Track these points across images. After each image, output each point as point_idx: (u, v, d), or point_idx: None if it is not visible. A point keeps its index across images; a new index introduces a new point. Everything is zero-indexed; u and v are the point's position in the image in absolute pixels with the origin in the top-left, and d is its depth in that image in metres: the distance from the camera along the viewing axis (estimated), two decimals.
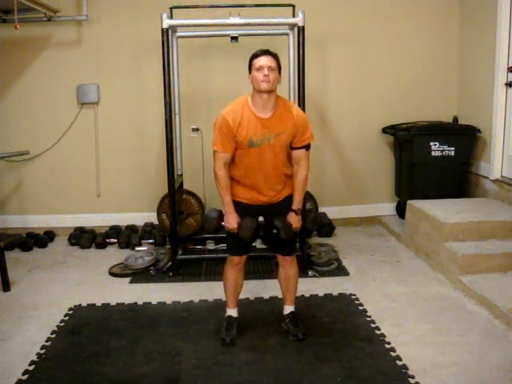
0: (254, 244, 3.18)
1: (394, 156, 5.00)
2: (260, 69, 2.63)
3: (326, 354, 2.76)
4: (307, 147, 2.82)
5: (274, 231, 2.81)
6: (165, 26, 3.71)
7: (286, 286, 2.99)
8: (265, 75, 2.61)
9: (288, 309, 3.02)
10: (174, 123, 4.08)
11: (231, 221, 2.80)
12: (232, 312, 3.01)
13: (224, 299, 3.10)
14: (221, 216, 2.90)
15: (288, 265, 2.95)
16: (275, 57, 2.68)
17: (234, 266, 2.93)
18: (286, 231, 2.80)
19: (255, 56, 2.68)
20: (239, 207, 2.85)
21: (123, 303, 3.45)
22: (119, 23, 4.73)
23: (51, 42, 4.76)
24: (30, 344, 2.92)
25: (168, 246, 4.38)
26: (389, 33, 4.91)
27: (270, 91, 2.65)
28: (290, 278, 2.97)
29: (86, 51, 4.76)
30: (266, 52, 2.67)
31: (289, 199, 2.88)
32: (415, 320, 3.13)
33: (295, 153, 2.80)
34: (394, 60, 4.95)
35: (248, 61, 2.73)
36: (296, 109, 2.82)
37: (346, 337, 2.94)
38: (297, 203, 2.85)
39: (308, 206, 4.35)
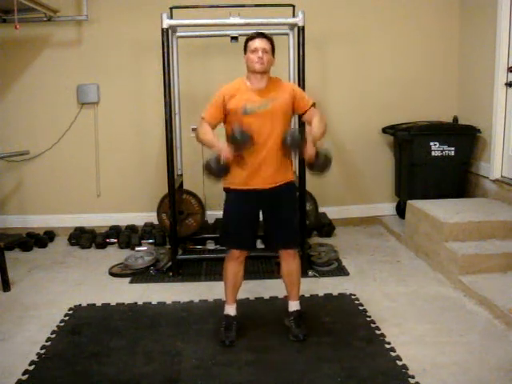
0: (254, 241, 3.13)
1: (394, 156, 5.00)
2: (255, 51, 2.75)
3: (326, 353, 2.76)
4: (313, 105, 2.88)
5: (288, 137, 2.68)
6: (165, 26, 3.71)
7: (290, 281, 2.98)
8: (259, 57, 2.73)
9: (293, 305, 3.01)
10: (174, 123, 4.08)
11: (223, 145, 2.69)
12: (230, 309, 3.00)
13: (224, 299, 3.09)
14: (218, 159, 2.71)
15: (290, 259, 2.94)
16: (270, 39, 2.80)
17: (235, 259, 2.92)
18: (293, 138, 2.69)
19: (250, 38, 2.80)
20: (237, 196, 2.84)
21: (123, 303, 3.45)
22: (119, 23, 4.73)
23: (51, 42, 4.76)
24: (29, 344, 2.92)
25: (168, 246, 4.38)
26: (389, 33, 4.91)
27: (264, 72, 2.77)
28: (293, 272, 2.96)
29: (86, 51, 4.76)
30: (260, 35, 2.79)
31: (289, 187, 2.87)
32: (415, 320, 3.13)
33: (306, 116, 2.88)
34: (394, 60, 4.95)
35: (244, 43, 2.83)
36: (288, 83, 2.95)
37: (345, 337, 2.93)
38: (315, 130, 2.78)
39: (308, 206, 4.35)
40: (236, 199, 2.87)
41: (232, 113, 2.76)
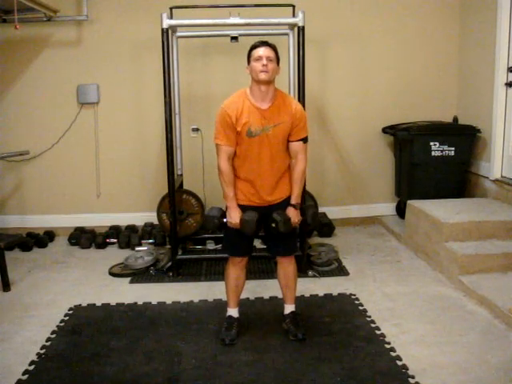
0: (253, 244, 3.15)
1: (394, 156, 5.00)
2: (259, 59, 2.65)
3: (326, 353, 2.76)
4: (304, 140, 2.81)
5: (273, 225, 2.77)
6: (165, 26, 3.71)
7: (286, 284, 2.99)
8: (263, 65, 2.63)
9: (288, 308, 3.02)
10: (173, 123, 4.08)
11: (234, 216, 2.79)
12: (233, 312, 3.01)
13: (224, 299, 3.10)
14: (222, 214, 2.89)
15: (286, 262, 2.95)
16: (274, 48, 2.71)
17: (236, 264, 2.93)
18: (284, 225, 2.76)
19: (254, 47, 2.70)
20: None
21: (123, 303, 3.45)
22: (119, 23, 4.73)
23: (51, 42, 4.76)
24: (29, 344, 2.92)
25: (168, 246, 4.38)
26: (389, 33, 4.91)
27: (269, 82, 2.67)
28: (289, 275, 2.97)
29: (85, 51, 4.76)
30: (264, 43, 2.70)
31: (288, 201, 2.87)
32: (415, 320, 3.13)
33: (292, 146, 2.80)
34: (394, 60, 4.95)
35: (247, 52, 2.75)
36: (295, 102, 2.84)
37: (346, 337, 2.94)
38: (295, 197, 2.84)
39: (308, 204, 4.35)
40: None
41: (238, 135, 2.74)
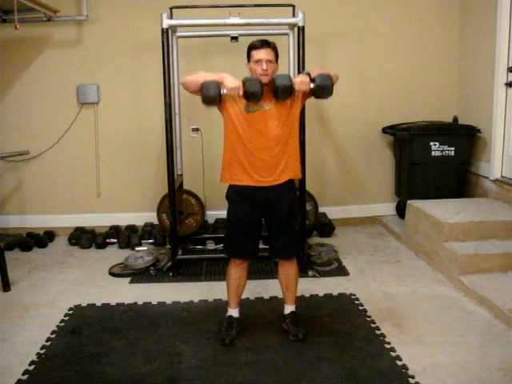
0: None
1: (394, 156, 5.00)
2: (259, 62, 2.68)
3: (326, 353, 2.76)
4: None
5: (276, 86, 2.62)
6: (165, 26, 3.71)
7: (286, 286, 2.99)
8: (263, 69, 2.67)
9: (288, 308, 3.02)
10: (173, 123, 4.08)
11: (231, 79, 2.63)
12: (233, 313, 3.01)
13: (224, 299, 3.10)
14: (218, 85, 2.64)
15: (288, 265, 2.95)
16: (273, 47, 2.73)
17: (237, 265, 2.93)
18: (282, 81, 2.61)
19: (254, 47, 2.72)
20: (237, 192, 2.83)
21: (123, 303, 3.45)
22: (119, 23, 4.73)
23: (51, 42, 4.76)
24: (29, 344, 2.92)
25: (168, 246, 4.38)
26: (389, 33, 4.91)
27: (268, 82, 2.71)
28: (290, 277, 2.96)
29: (85, 51, 4.76)
30: (264, 44, 2.71)
31: (290, 184, 2.85)
32: (415, 320, 3.13)
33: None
34: (394, 60, 4.95)
35: (246, 50, 2.76)
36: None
37: (346, 337, 2.93)
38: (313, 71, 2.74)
39: (308, 206, 4.35)
40: (238, 206, 2.85)
41: (234, 109, 2.72)
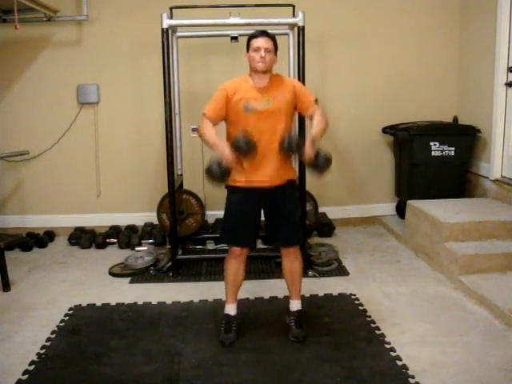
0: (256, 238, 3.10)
1: (394, 156, 5.00)
2: (257, 50, 2.74)
3: (326, 353, 2.76)
4: (315, 101, 2.86)
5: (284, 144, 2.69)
6: (165, 26, 3.71)
7: (292, 280, 2.97)
8: (261, 57, 2.72)
9: (294, 305, 3.00)
10: (173, 123, 4.08)
11: (222, 147, 2.65)
12: (231, 309, 2.99)
13: (224, 299, 3.09)
14: (220, 163, 2.66)
15: (292, 257, 2.93)
16: (272, 38, 2.79)
17: (235, 257, 2.91)
18: (290, 142, 2.67)
19: (253, 36, 2.78)
20: (238, 194, 2.84)
21: (123, 303, 3.45)
22: (119, 23, 4.73)
23: (51, 42, 4.76)
24: (29, 344, 2.92)
25: (168, 246, 4.38)
26: (389, 33, 4.91)
27: (266, 71, 2.77)
28: (295, 270, 2.95)
29: (86, 51, 4.76)
30: (263, 33, 2.78)
31: (292, 185, 2.87)
32: (415, 320, 3.13)
33: (308, 113, 2.85)
34: (394, 60, 4.95)
35: (246, 40, 2.81)
36: (290, 79, 2.94)
37: (346, 337, 2.93)
38: (315, 129, 2.76)
39: (308, 206, 4.35)
40: (237, 197, 2.86)
41: (234, 109, 2.75)
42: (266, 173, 2.78)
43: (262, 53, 2.71)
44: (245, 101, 2.74)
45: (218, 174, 2.65)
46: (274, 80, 2.82)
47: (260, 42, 2.73)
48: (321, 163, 2.75)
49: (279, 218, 2.88)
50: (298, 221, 2.96)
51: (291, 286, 3.00)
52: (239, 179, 2.81)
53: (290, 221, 2.87)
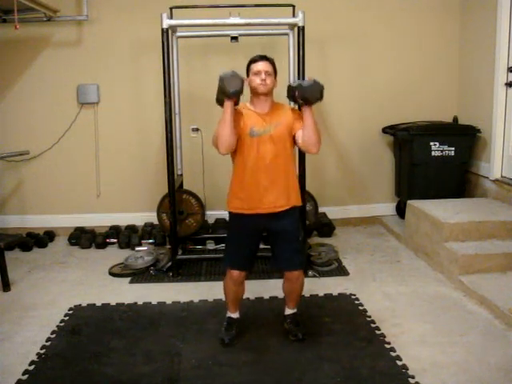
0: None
1: (394, 156, 5.00)
2: (257, 73, 2.75)
3: (326, 353, 2.76)
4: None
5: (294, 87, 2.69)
6: (165, 26, 3.71)
7: (290, 297, 2.97)
8: (262, 79, 2.74)
9: (289, 310, 3.01)
10: (173, 123, 4.08)
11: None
12: (233, 315, 3.00)
13: (224, 299, 3.09)
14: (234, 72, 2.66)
15: (294, 279, 2.87)
16: (272, 62, 2.80)
17: (234, 279, 2.87)
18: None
19: (253, 61, 2.80)
20: (239, 221, 2.82)
21: (123, 303, 3.45)
22: (119, 23, 4.73)
23: (51, 42, 4.76)
24: (29, 344, 2.92)
25: (168, 246, 4.38)
26: (389, 33, 4.91)
27: (267, 94, 2.77)
28: (295, 291, 2.94)
29: (86, 51, 4.76)
30: (263, 58, 2.79)
31: (294, 212, 2.83)
32: (415, 320, 3.13)
33: (299, 129, 2.80)
34: (394, 60, 4.95)
35: (246, 65, 2.82)
36: (291, 107, 2.92)
37: (346, 337, 2.94)
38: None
39: (308, 206, 4.35)
40: (238, 224, 2.85)
41: (240, 132, 2.74)
42: (269, 200, 2.75)
43: (263, 75, 2.73)
44: (251, 126, 2.74)
45: (238, 82, 2.64)
46: (275, 106, 2.83)
47: (260, 66, 2.74)
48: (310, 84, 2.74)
49: (281, 243, 2.84)
50: (300, 245, 2.95)
51: (288, 300, 2.99)
52: (241, 206, 2.79)
53: (293, 245, 2.84)
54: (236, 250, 2.87)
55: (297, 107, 2.89)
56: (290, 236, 2.84)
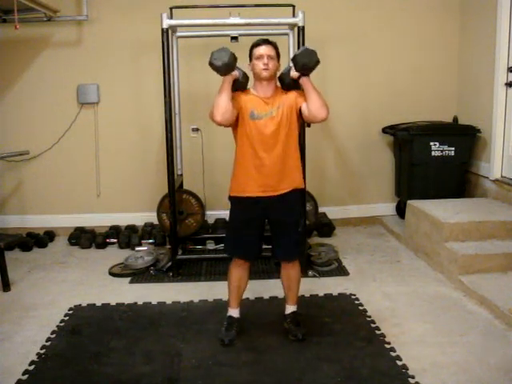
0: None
1: (394, 156, 5.00)
2: (260, 57, 2.75)
3: (326, 353, 2.76)
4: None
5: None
6: (165, 26, 3.71)
7: (288, 286, 2.98)
8: (264, 64, 2.74)
9: (290, 308, 3.01)
10: (173, 123, 4.08)
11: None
12: (233, 313, 3.00)
13: (224, 299, 3.10)
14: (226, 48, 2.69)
15: (289, 266, 2.93)
16: (274, 45, 2.81)
17: (240, 265, 2.92)
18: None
19: (255, 45, 2.80)
20: (240, 205, 2.83)
21: (123, 303, 3.45)
22: (119, 23, 4.73)
23: (51, 42, 4.76)
24: (29, 344, 2.92)
25: (168, 246, 4.38)
26: (389, 33, 4.91)
27: (270, 78, 2.78)
28: (292, 278, 2.95)
29: (86, 51, 4.76)
30: (265, 41, 2.79)
31: (296, 194, 2.85)
32: (415, 320, 3.13)
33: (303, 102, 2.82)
34: (394, 60, 4.95)
35: (249, 49, 2.82)
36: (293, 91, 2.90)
37: (346, 337, 2.93)
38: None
39: (308, 206, 4.35)
40: (240, 207, 2.85)
41: (241, 115, 2.76)
42: (269, 182, 2.76)
43: (265, 59, 2.73)
44: (250, 108, 2.76)
45: (220, 51, 2.65)
46: (278, 91, 2.84)
47: (262, 50, 2.75)
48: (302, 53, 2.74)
49: (281, 230, 2.86)
50: (300, 235, 2.94)
51: (288, 292, 3.00)
52: (243, 189, 2.80)
53: (292, 233, 2.85)
54: (238, 238, 2.87)
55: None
56: (290, 223, 2.85)
